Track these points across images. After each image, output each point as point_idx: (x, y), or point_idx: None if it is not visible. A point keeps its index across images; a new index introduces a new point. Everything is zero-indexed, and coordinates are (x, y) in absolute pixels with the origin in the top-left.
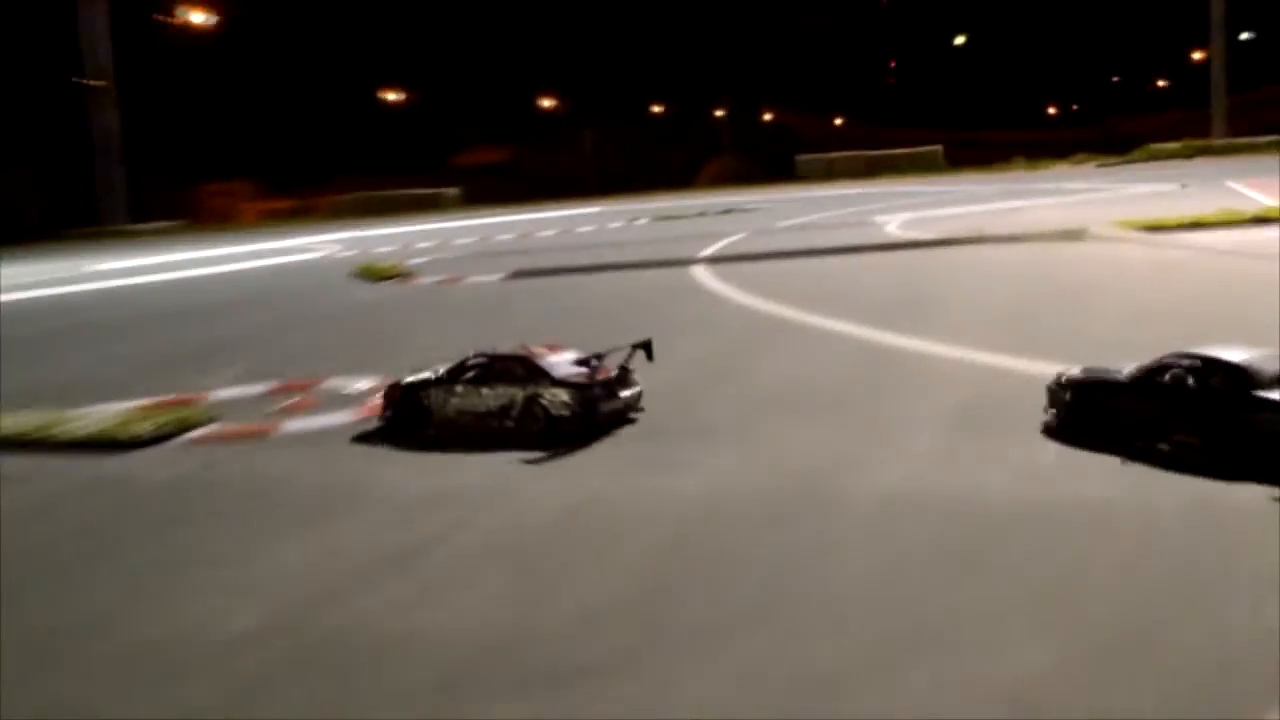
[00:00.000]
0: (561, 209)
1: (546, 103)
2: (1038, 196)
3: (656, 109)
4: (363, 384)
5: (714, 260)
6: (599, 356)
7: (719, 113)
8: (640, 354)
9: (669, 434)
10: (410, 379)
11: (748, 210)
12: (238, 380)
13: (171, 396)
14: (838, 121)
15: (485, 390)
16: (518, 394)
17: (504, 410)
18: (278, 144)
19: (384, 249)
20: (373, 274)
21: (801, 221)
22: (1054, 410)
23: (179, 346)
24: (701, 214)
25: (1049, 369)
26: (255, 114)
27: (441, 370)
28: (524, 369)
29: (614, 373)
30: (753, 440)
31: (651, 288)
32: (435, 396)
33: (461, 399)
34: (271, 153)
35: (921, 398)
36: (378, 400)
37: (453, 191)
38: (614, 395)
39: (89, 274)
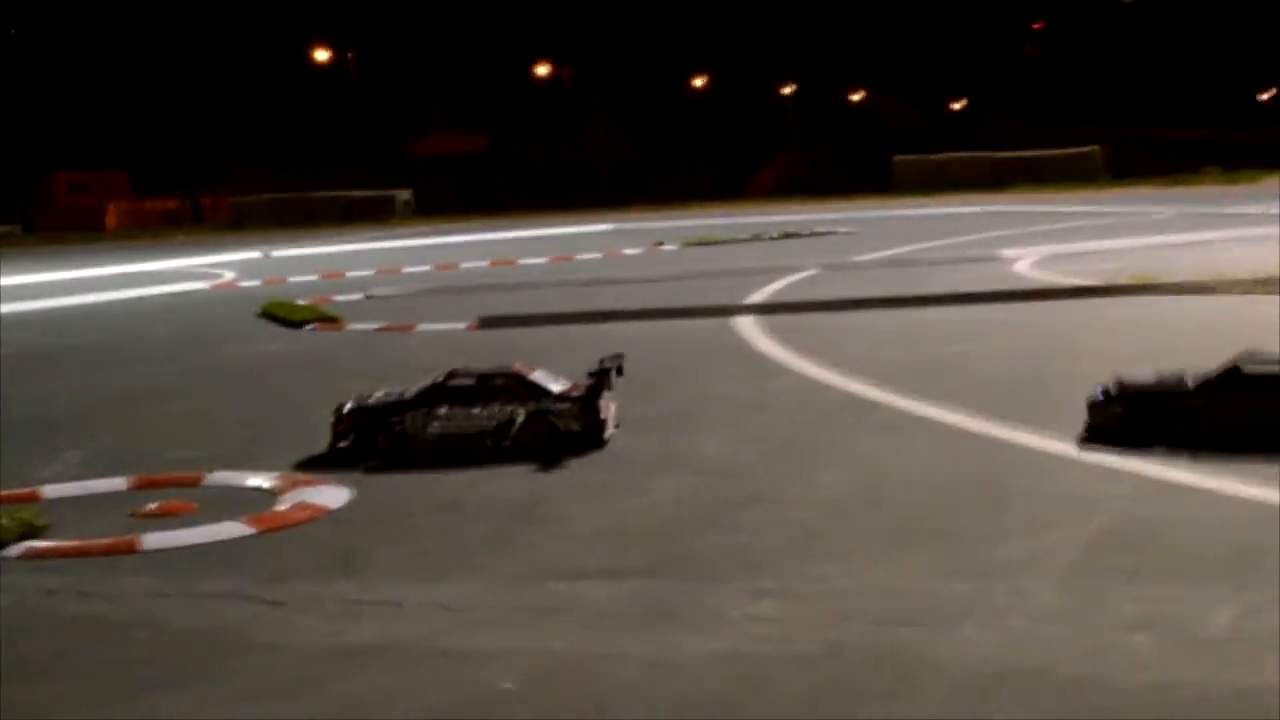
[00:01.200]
0: (557, 225)
1: (541, 70)
2: (1237, 225)
3: (697, 83)
4: (259, 480)
5: (767, 309)
6: (610, 372)
7: (785, 90)
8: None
9: (689, 564)
10: (372, 402)
11: (820, 234)
12: (84, 468)
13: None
14: (954, 107)
15: (477, 410)
16: (519, 411)
17: (500, 428)
18: (156, 122)
19: (302, 277)
20: (285, 315)
21: (895, 254)
22: (1094, 423)
23: (3, 415)
24: (754, 238)
25: (1237, 487)
26: (124, 80)
27: (409, 392)
28: (521, 387)
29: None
30: (802, 581)
31: (677, 346)
32: (412, 420)
33: (446, 421)
34: (147, 134)
35: (1047, 523)
36: (287, 500)
37: (404, 195)
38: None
39: None
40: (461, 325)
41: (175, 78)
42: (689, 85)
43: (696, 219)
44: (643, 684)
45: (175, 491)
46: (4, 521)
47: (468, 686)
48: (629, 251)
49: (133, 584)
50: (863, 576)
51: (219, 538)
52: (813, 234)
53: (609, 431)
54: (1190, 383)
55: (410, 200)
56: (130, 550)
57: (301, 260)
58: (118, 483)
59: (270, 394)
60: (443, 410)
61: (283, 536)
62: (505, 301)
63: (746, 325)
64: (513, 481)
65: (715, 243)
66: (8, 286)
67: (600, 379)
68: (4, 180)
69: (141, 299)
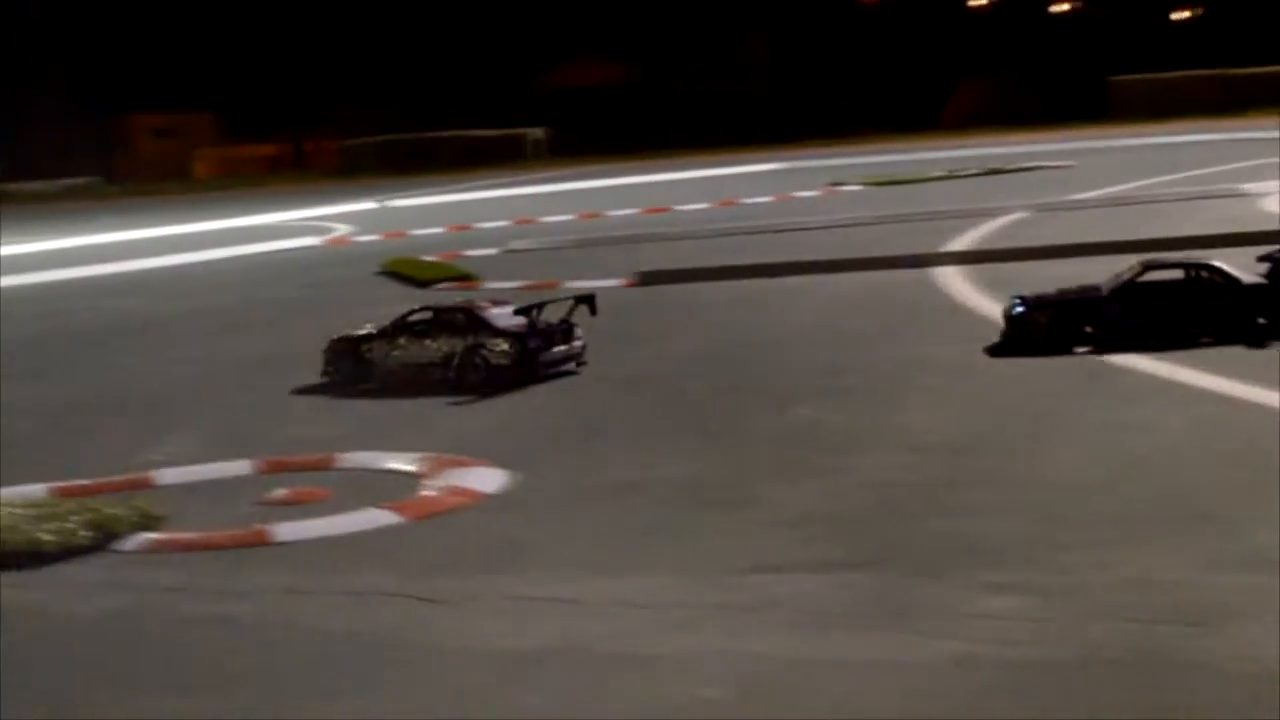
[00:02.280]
0: (716, 165)
1: None
2: None
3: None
4: (400, 461)
5: (973, 258)
6: (539, 307)
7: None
8: (583, 307)
9: (910, 554)
10: (355, 333)
11: (1028, 169)
12: (200, 450)
13: (95, 479)
14: (1181, 15)
15: (429, 342)
16: (459, 344)
17: (446, 360)
18: (248, 57)
19: (428, 230)
20: (412, 273)
21: (1118, 190)
22: (1012, 334)
23: (105, 391)
24: (950, 175)
25: None
26: (211, 9)
27: (386, 325)
28: (467, 320)
29: (554, 324)
30: (1044, 573)
31: (869, 302)
32: (377, 350)
33: (404, 351)
34: (238, 71)
35: None
36: (435, 484)
37: (535, 134)
38: (552, 346)
39: None
40: (616, 282)
41: (269, 5)
42: None
43: (879, 154)
44: (869, 692)
45: (306, 475)
46: (118, 511)
47: (667, 695)
48: (802, 194)
49: (268, 580)
50: (1115, 567)
51: (362, 527)
52: (1019, 169)
53: (568, 366)
54: (1105, 290)
55: (543, 139)
56: (261, 542)
57: (423, 210)
58: (240, 466)
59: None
60: (402, 341)
61: (434, 525)
62: (664, 254)
63: (950, 276)
64: (691, 460)
65: (903, 182)
66: (95, 245)
67: (528, 313)
68: (81, 126)
69: (246, 258)
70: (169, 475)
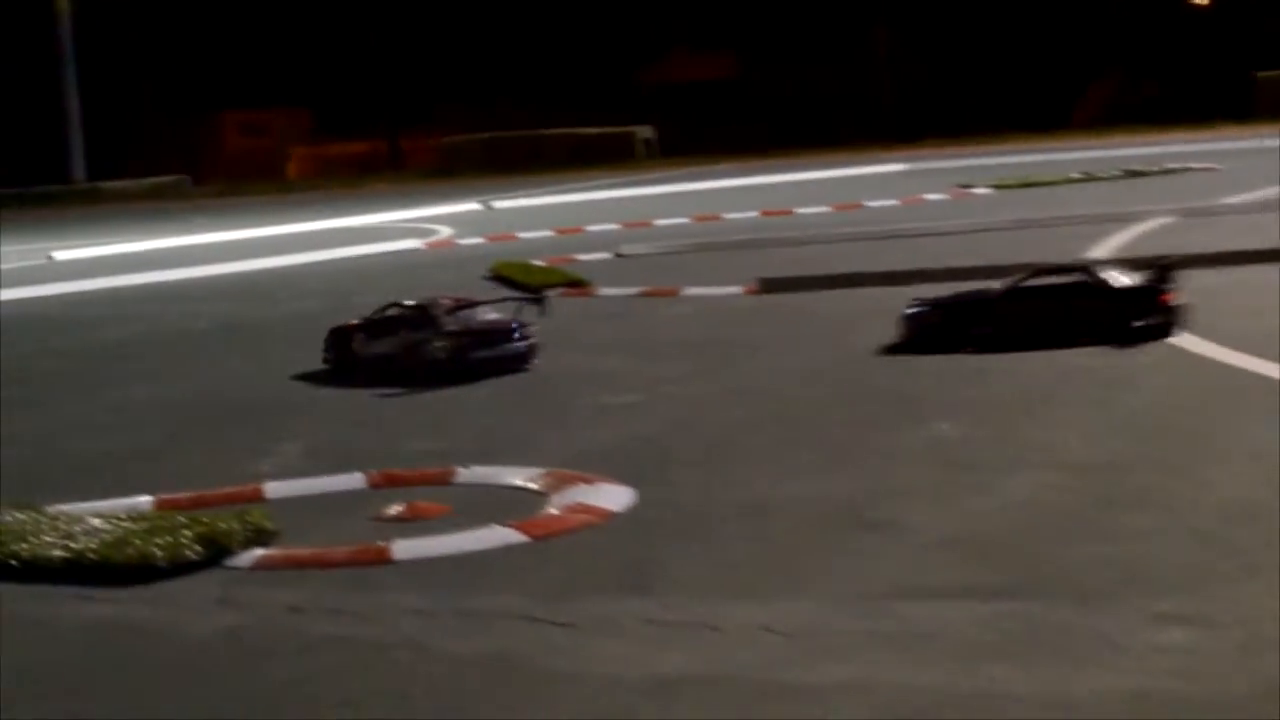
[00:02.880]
0: (835, 165)
1: None
2: None
3: None
4: (522, 477)
5: (1120, 263)
6: (472, 304)
7: None
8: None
9: (1066, 582)
10: (349, 323)
11: (1172, 171)
12: (309, 462)
13: (202, 490)
14: None
15: (389, 336)
16: (411, 339)
17: (404, 353)
18: (343, 51)
19: (535, 232)
20: (521, 278)
21: (1270, 194)
22: (908, 335)
23: (207, 398)
24: (1087, 177)
25: None
26: (306, 3)
27: (370, 317)
28: (421, 318)
29: (496, 324)
30: (1213, 603)
31: None
32: (358, 340)
33: (375, 343)
34: (332, 65)
35: None
36: (560, 501)
37: (646, 131)
38: (490, 345)
39: (49, 268)
40: (737, 289)
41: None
42: None
43: (1009, 155)
44: None
45: (423, 490)
46: (230, 525)
47: None
48: (930, 197)
49: (390, 600)
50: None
51: (485, 546)
52: (1162, 171)
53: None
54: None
55: (653, 138)
56: (381, 560)
57: (529, 212)
58: (353, 479)
59: (516, 374)
60: (376, 335)
61: (561, 544)
62: (786, 260)
63: None
64: (824, 478)
65: (1038, 184)
66: (185, 248)
67: (509, 321)
68: (165, 122)
69: (345, 261)
70: (278, 488)
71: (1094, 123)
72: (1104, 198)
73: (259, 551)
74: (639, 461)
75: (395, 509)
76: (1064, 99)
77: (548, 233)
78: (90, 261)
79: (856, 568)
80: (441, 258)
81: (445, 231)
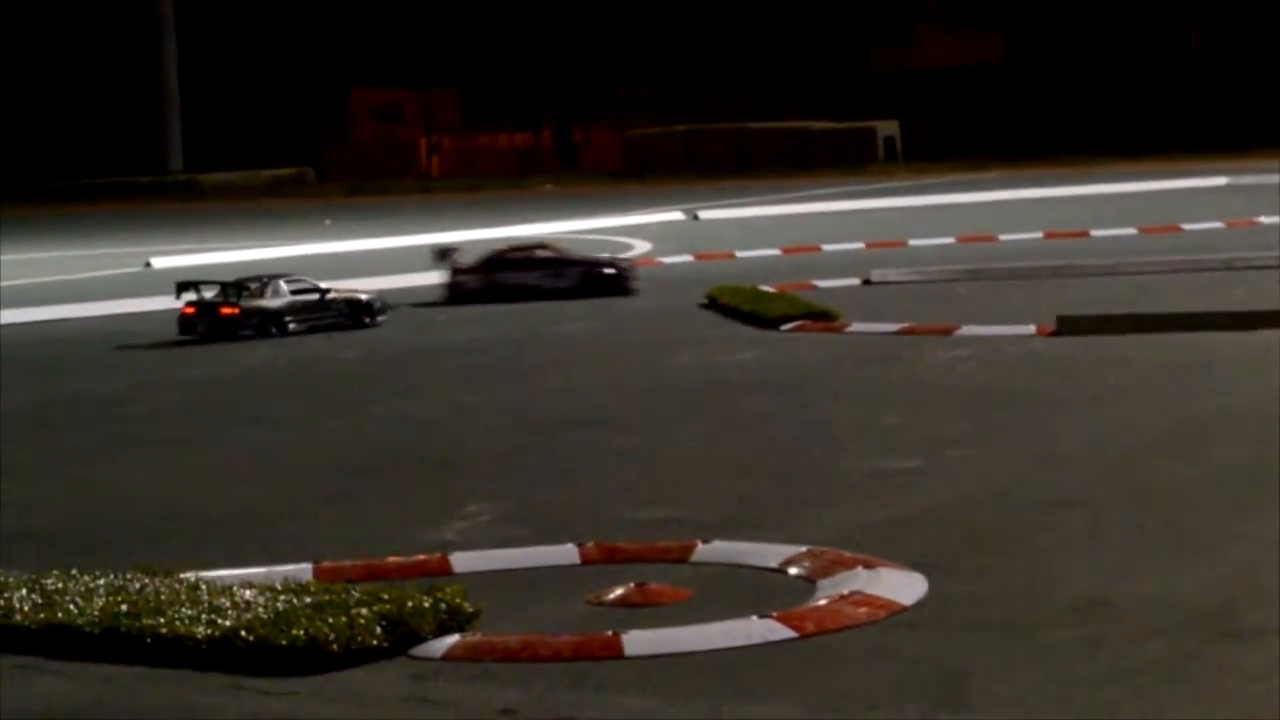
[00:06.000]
0: (1139, 177)
1: None
2: None
3: None
4: (779, 556)
5: None
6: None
7: None
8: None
9: None
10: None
11: None
12: (501, 527)
13: (377, 558)
14: None
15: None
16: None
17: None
18: (501, 23)
19: (757, 250)
20: (750, 307)
21: None
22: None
23: (370, 445)
24: None
25: None
26: None
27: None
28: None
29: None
30: None
31: None
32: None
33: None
34: (487, 40)
35: None
36: (831, 588)
37: (891, 128)
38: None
39: (147, 277)
40: (1028, 329)
41: None
42: None
43: None
44: None
45: (654, 568)
46: (421, 603)
47: None
48: (1266, 219)
49: (628, 705)
50: None
51: (740, 641)
52: None
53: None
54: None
55: (897, 136)
56: (611, 654)
57: (746, 225)
58: (563, 552)
59: (754, 427)
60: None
61: (838, 644)
62: (1084, 294)
63: None
64: (1175, 574)
65: None
66: (315, 257)
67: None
68: (286, 104)
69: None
70: (469, 559)
71: None
72: None
73: (455, 637)
74: (929, 542)
75: (620, 590)
76: None
77: (773, 251)
78: (196, 270)
79: (1223, 689)
80: (643, 279)
81: (642, 247)
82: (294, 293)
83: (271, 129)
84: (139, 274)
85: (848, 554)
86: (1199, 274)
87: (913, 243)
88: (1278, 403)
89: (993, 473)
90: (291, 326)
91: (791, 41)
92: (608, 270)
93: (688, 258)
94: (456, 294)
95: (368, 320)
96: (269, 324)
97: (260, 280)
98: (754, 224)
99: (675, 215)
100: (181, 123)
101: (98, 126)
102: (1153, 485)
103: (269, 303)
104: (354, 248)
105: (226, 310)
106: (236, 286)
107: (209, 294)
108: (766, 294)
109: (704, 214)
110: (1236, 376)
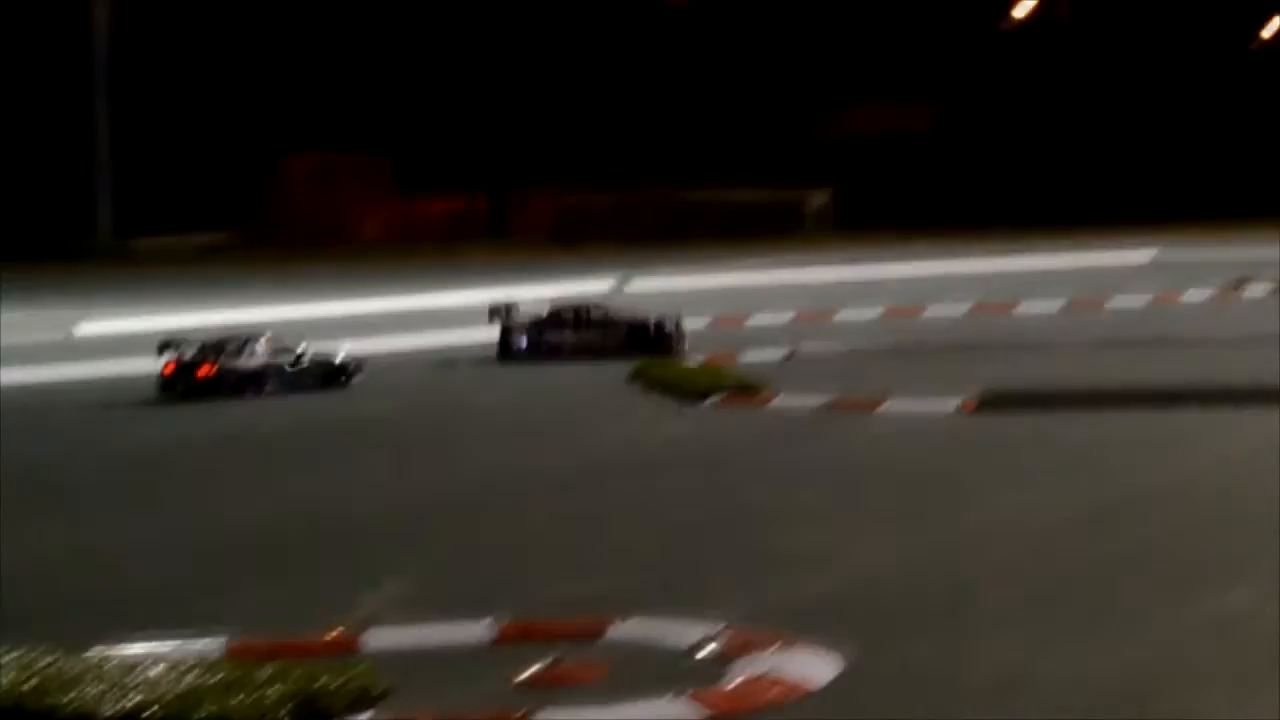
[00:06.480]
0: (1066, 250)
1: (1023, 4)
2: None
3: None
4: (693, 634)
5: None
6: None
7: None
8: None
9: None
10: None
11: None
12: (415, 604)
13: (288, 635)
14: None
15: None
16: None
17: None
18: (434, 90)
19: (687, 322)
20: (675, 380)
21: None
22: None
23: (282, 516)
24: None
25: None
26: (389, 29)
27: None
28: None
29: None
30: None
31: None
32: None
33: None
34: (420, 106)
35: None
36: (744, 668)
37: (821, 197)
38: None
39: (71, 344)
40: (951, 405)
41: (458, 20)
42: (1260, 31)
43: None
44: None
45: (570, 646)
46: (330, 682)
47: None
48: (1191, 296)
49: None
50: None
51: None
52: None
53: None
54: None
55: (828, 205)
56: None
57: (676, 295)
58: (478, 628)
59: (674, 502)
60: None
61: None
62: (1010, 369)
63: None
64: (1091, 655)
65: None
66: (245, 325)
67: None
68: (219, 168)
69: (448, 351)
70: (383, 636)
71: None
72: None
73: (366, 716)
74: (842, 621)
75: (535, 668)
76: None
77: (700, 322)
78: (121, 339)
79: None
80: None
81: None
82: (271, 354)
83: (204, 193)
84: (64, 340)
85: (763, 632)
86: (1123, 350)
87: (841, 315)
88: (1196, 482)
89: (910, 551)
90: (267, 388)
91: (724, 110)
92: (653, 329)
93: None
94: (506, 352)
95: (343, 381)
96: (245, 385)
97: (238, 341)
98: (684, 295)
99: (604, 284)
100: (112, 186)
101: (26, 189)
102: (1070, 565)
103: (245, 363)
104: (285, 314)
105: (203, 370)
106: (215, 347)
107: (189, 354)
108: (693, 368)
109: (634, 284)
110: (1157, 455)
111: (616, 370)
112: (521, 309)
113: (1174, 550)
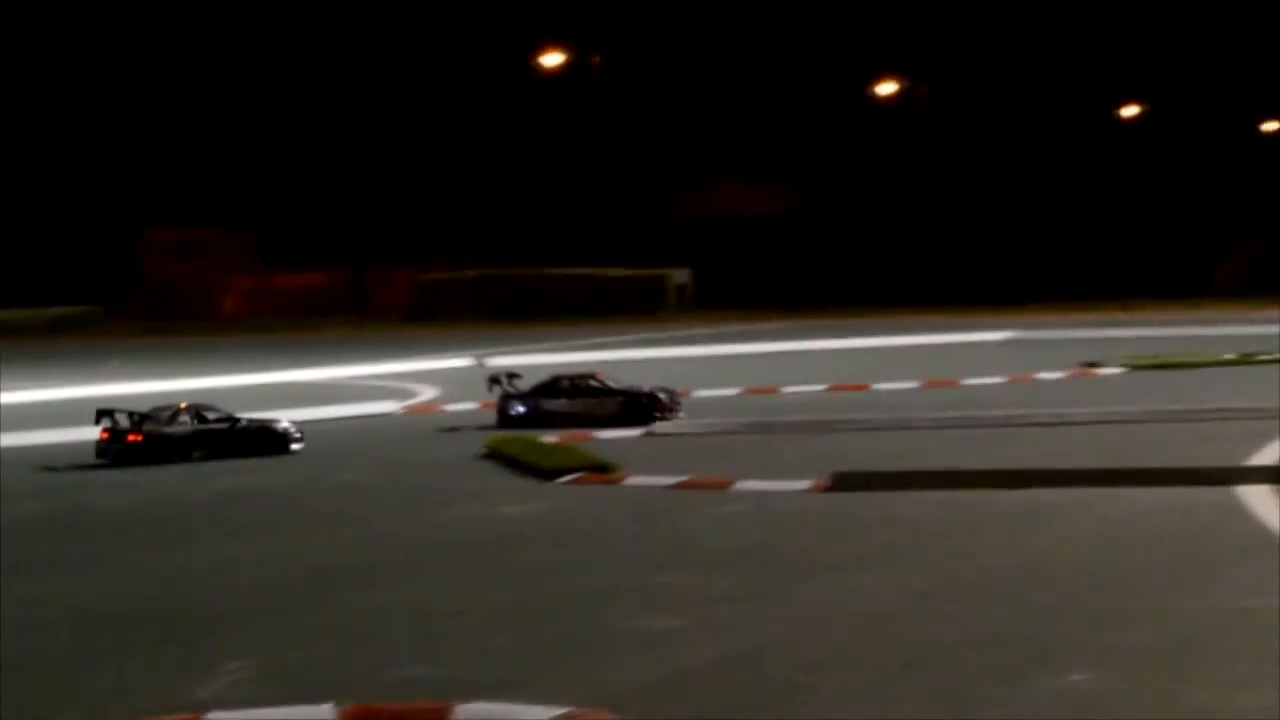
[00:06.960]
0: (924, 330)
1: (884, 89)
2: None
3: (1128, 112)
4: (544, 717)
5: None
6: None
7: (1271, 126)
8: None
9: None
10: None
11: None
12: (260, 687)
13: (118, 716)
14: None
15: None
16: None
17: None
18: (296, 166)
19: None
20: (529, 458)
21: None
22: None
23: (129, 600)
24: (1244, 359)
25: None
26: (250, 105)
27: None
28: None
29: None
30: None
31: (1147, 531)
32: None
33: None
34: (283, 181)
35: None
36: None
37: (681, 275)
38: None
39: None
40: (803, 484)
41: (318, 101)
42: (1114, 115)
43: (1141, 327)
44: None
45: None
46: None
47: None
48: (1044, 375)
49: None
50: None
51: None
52: None
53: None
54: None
55: (688, 284)
56: None
57: (533, 373)
58: (320, 711)
59: (523, 582)
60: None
61: None
62: (864, 449)
63: (1261, 500)
64: None
65: (1180, 365)
66: (102, 400)
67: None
68: (78, 240)
69: (305, 426)
70: (225, 719)
71: (1241, 289)
72: (1266, 384)
73: None
74: (690, 703)
75: None
76: (1204, 261)
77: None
78: None
79: None
80: (423, 425)
81: (427, 394)
82: (204, 421)
83: (61, 265)
84: None
85: (609, 715)
86: (976, 430)
87: (697, 393)
88: (1042, 563)
89: (756, 633)
90: (195, 454)
91: (589, 188)
92: (648, 399)
93: (473, 405)
94: (505, 419)
95: (287, 448)
96: (171, 451)
97: (170, 410)
98: (542, 372)
99: (462, 362)
100: None
101: None
102: (913, 647)
103: (172, 430)
104: (146, 389)
105: (132, 437)
106: (145, 415)
107: (123, 421)
108: (547, 445)
109: (493, 361)
110: (1006, 535)
111: (469, 446)
112: (517, 382)
113: (1019, 631)
